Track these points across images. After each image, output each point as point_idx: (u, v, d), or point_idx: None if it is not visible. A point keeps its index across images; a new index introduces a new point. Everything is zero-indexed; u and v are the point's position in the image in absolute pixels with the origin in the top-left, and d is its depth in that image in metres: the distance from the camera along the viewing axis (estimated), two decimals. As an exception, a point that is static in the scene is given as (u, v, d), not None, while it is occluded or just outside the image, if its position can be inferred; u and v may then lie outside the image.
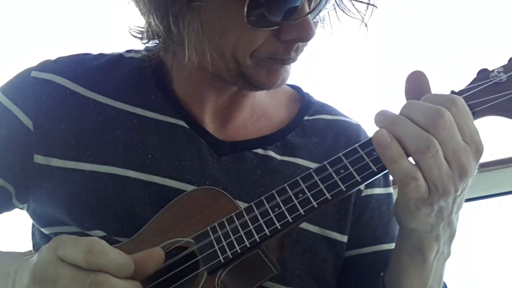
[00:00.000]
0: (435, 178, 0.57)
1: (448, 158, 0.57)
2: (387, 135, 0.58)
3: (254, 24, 0.63)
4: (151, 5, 0.64)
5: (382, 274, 0.76)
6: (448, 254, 0.71)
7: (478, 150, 0.59)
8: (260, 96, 0.83)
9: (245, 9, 0.62)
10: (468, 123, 0.58)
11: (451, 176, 0.58)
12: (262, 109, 0.83)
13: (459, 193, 0.60)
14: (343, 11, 0.70)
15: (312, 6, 0.65)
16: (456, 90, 0.64)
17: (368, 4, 0.69)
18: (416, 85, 0.63)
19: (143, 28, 0.74)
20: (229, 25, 0.65)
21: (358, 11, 0.70)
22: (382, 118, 0.60)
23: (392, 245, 0.81)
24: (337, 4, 0.70)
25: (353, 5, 0.70)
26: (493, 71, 0.64)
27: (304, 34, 0.66)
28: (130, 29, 0.75)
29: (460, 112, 0.58)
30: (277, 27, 0.65)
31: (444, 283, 0.77)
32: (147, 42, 0.74)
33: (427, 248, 0.67)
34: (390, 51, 1.56)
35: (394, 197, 0.86)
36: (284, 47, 0.68)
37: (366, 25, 0.70)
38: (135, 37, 0.75)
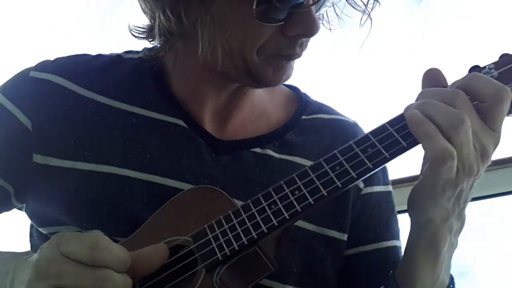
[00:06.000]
0: (464, 156, 0.59)
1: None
2: (419, 112, 0.60)
3: (261, 20, 0.65)
4: (161, 1, 0.65)
5: (391, 272, 0.74)
6: (456, 245, 0.72)
7: (498, 139, 0.62)
8: (259, 95, 0.83)
9: (254, 4, 0.63)
10: (500, 114, 0.61)
11: (475, 156, 0.60)
12: (261, 109, 0.84)
13: (478, 175, 0.62)
14: (348, 2, 0.71)
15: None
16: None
17: None
18: (433, 83, 0.65)
19: (144, 28, 0.74)
20: (237, 20, 0.66)
21: (362, 3, 0.70)
22: (409, 105, 0.63)
23: (393, 242, 0.81)
24: None
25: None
26: (484, 67, 0.65)
27: (309, 28, 0.67)
28: (131, 29, 0.75)
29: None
30: (283, 22, 0.66)
31: (451, 274, 0.77)
32: (152, 40, 0.74)
33: (441, 241, 0.67)
34: (384, 49, 1.57)
35: (394, 196, 0.86)
36: (289, 43, 0.69)
37: (370, 18, 0.71)
38: (138, 37, 0.75)
